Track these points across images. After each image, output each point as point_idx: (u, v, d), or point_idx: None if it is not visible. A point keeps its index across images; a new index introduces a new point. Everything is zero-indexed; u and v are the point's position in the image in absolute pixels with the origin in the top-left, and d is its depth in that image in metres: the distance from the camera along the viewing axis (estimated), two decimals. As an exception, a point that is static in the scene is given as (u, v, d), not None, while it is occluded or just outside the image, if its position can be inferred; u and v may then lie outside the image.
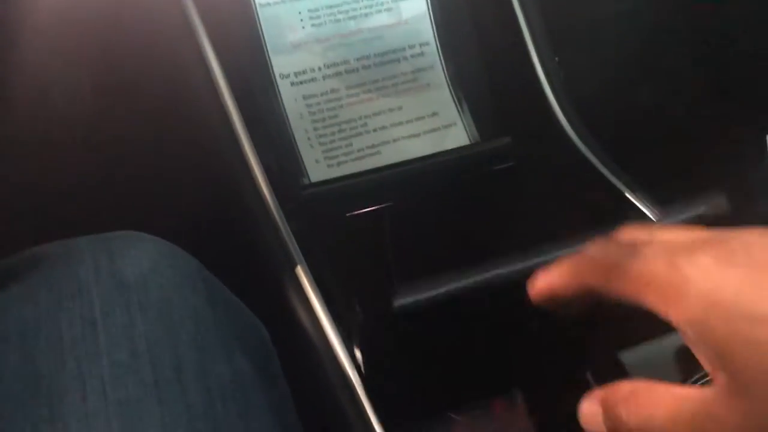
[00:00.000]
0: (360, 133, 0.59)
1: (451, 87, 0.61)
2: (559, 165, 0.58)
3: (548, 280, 0.32)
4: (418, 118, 0.61)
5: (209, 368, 0.34)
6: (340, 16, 0.59)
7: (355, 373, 0.43)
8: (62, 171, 0.53)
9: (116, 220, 0.40)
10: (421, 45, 0.61)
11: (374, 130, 0.60)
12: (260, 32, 0.57)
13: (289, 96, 0.58)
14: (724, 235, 0.27)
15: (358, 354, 0.43)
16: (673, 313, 0.26)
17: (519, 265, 0.43)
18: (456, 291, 0.43)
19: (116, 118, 0.53)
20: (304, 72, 0.58)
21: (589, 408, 0.30)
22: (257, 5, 0.57)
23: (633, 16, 0.62)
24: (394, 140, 0.60)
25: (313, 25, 0.58)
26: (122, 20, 0.54)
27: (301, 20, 0.58)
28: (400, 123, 0.60)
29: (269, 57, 0.57)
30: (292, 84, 0.58)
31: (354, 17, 0.59)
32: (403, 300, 0.42)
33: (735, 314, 0.24)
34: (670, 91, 0.63)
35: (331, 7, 0.59)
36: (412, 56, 0.61)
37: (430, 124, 0.61)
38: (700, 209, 0.46)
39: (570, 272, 0.31)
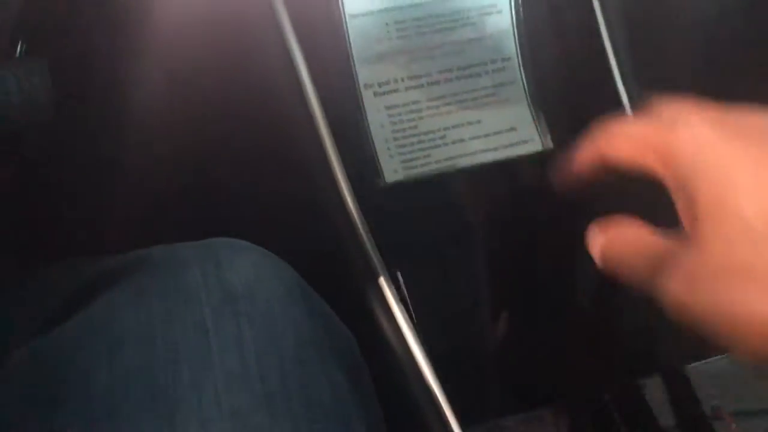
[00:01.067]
0: (438, 145, 0.60)
1: (530, 103, 0.61)
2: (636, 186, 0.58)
3: (573, 157, 0.35)
4: (497, 133, 0.61)
5: (311, 383, 0.35)
6: (426, 29, 0.60)
7: (440, 387, 0.44)
8: (139, 178, 0.54)
9: (197, 226, 0.41)
10: (503, 60, 0.61)
11: (452, 143, 0.60)
12: (348, 42, 0.58)
13: (372, 106, 0.59)
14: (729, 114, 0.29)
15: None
16: (666, 174, 0.29)
17: None
18: None
19: (201, 125, 0.55)
20: (388, 83, 0.59)
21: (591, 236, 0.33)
22: (347, 16, 0.57)
23: (718, 37, 0.62)
24: (472, 153, 0.61)
25: (399, 37, 0.59)
26: (213, 27, 0.55)
27: (388, 32, 0.59)
28: (478, 137, 0.61)
29: (355, 67, 0.58)
30: (375, 94, 0.59)
31: (439, 30, 0.60)
32: None
33: (711, 176, 0.27)
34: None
35: (417, 19, 0.59)
36: (494, 71, 0.61)
37: (508, 139, 0.61)
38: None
39: (587, 143, 0.34)
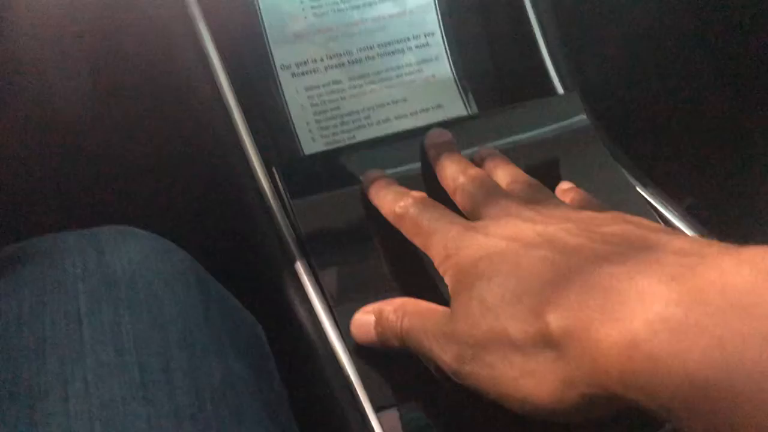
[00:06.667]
0: (363, 126, 0.58)
1: (456, 79, 0.60)
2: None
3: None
4: (423, 110, 0.59)
5: (198, 368, 0.32)
6: (343, 6, 0.58)
7: (354, 369, 0.42)
8: (55, 165, 0.51)
9: (109, 215, 0.39)
10: (426, 35, 0.59)
11: (377, 123, 0.58)
12: (260, 22, 0.56)
13: (290, 87, 0.57)
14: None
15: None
16: (435, 262, 0.36)
17: None
18: None
19: (112, 109, 0.52)
20: (306, 63, 0.57)
21: (363, 318, 0.39)
22: (258, -6, 0.55)
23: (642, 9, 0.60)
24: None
25: (314, 15, 0.57)
26: (120, 10, 0.52)
27: (303, 10, 0.57)
28: (404, 115, 0.59)
29: (270, 47, 0.56)
30: (293, 75, 0.57)
31: (357, 7, 0.58)
32: None
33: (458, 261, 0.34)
34: (679, 81, 0.62)
35: (333, -4, 0.57)
36: (417, 47, 0.59)
37: (435, 117, 0.59)
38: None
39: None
